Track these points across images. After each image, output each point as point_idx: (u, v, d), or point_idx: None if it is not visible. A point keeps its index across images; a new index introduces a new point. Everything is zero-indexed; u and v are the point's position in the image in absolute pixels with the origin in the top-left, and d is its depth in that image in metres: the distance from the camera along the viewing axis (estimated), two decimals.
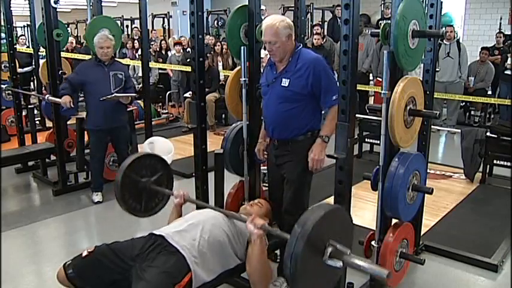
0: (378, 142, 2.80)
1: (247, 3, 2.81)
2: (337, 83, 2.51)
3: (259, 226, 2.03)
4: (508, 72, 7.02)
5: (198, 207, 2.57)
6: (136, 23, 11.09)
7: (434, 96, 3.12)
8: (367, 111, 2.73)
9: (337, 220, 1.77)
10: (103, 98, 3.83)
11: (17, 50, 6.64)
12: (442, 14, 2.90)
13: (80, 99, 4.76)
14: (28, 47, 8.78)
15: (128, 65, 8.30)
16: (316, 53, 2.57)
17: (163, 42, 9.43)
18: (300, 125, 2.50)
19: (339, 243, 1.66)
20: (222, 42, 7.99)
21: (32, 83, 8.66)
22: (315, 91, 2.43)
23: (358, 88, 2.47)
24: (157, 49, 9.03)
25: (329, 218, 1.69)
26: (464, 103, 7.64)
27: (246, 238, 2.24)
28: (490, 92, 7.58)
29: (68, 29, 10.45)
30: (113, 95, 3.87)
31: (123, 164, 2.46)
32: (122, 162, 4.00)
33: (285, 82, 2.46)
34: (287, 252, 1.59)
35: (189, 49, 6.91)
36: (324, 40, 7.21)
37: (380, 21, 8.22)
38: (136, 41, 9.63)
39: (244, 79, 2.78)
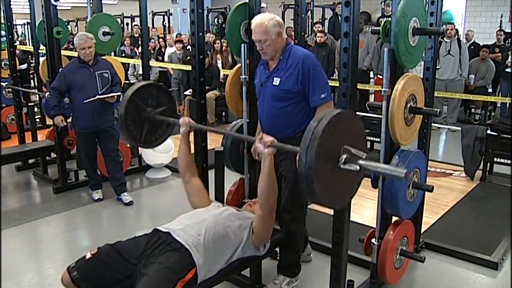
0: (378, 140, 2.80)
1: (247, 1, 2.80)
2: (328, 81, 2.51)
3: (269, 143, 1.98)
4: (508, 70, 7.01)
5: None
6: (137, 20, 11.07)
7: (435, 94, 3.11)
8: (368, 108, 2.72)
9: (350, 123, 1.70)
10: (87, 101, 3.74)
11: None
12: (443, 11, 2.89)
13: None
14: (21, 44, 8.78)
15: (128, 63, 8.31)
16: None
17: (161, 40, 9.42)
18: (295, 123, 2.48)
19: (354, 148, 1.61)
20: (222, 40, 7.98)
21: (32, 81, 8.67)
22: (304, 88, 2.41)
23: (358, 86, 2.47)
24: (157, 47, 9.02)
25: (342, 119, 1.63)
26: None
27: (248, 228, 2.25)
28: (490, 90, 7.58)
29: (68, 26, 10.43)
30: (96, 97, 3.78)
31: (131, 89, 2.41)
32: (110, 162, 4.07)
33: (276, 81, 2.45)
34: (302, 149, 1.52)
35: (189, 47, 6.90)
36: (326, 38, 7.22)
37: (380, 19, 8.20)
38: (134, 38, 9.64)
39: (244, 77, 2.77)
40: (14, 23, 5.82)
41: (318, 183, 1.51)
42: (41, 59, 5.50)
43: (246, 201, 2.85)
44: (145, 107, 2.43)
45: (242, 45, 2.75)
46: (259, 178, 2.14)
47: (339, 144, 1.59)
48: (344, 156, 1.59)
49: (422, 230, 3.23)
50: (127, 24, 12.63)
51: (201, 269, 2.04)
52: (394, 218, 2.67)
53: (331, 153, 1.57)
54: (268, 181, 2.09)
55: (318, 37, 7.09)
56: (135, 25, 11.29)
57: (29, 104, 5.71)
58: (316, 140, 1.50)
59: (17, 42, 8.56)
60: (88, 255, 2.06)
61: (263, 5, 2.93)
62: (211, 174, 2.85)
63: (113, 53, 6.34)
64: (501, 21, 8.92)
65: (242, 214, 2.32)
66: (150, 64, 6.68)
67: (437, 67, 3.11)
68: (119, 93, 4.00)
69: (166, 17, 12.05)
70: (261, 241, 2.30)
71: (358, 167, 1.60)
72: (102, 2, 4.81)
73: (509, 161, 4.48)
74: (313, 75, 2.38)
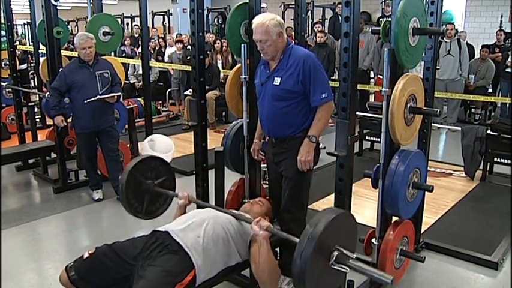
0: (379, 140, 2.81)
1: (247, 1, 2.80)
2: (328, 81, 2.51)
3: (265, 228, 2.05)
4: (508, 70, 7.01)
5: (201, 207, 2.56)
6: (137, 20, 11.07)
7: (435, 94, 3.11)
8: (368, 108, 2.73)
9: (343, 225, 1.80)
10: (87, 101, 3.74)
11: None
12: (443, 11, 2.89)
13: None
14: (20, 43, 8.77)
15: (128, 63, 8.31)
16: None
17: (161, 40, 9.41)
18: (295, 123, 2.47)
19: (345, 248, 1.69)
20: (222, 40, 7.99)
21: (32, 81, 8.67)
22: (305, 88, 2.41)
23: (358, 87, 2.47)
24: (158, 47, 9.01)
25: (337, 222, 1.72)
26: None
27: (248, 237, 2.24)
28: (490, 90, 7.57)
29: (68, 26, 10.44)
30: (96, 97, 3.78)
31: (129, 164, 2.46)
32: (110, 162, 4.08)
33: (277, 81, 2.45)
34: (297, 252, 1.63)
35: (189, 47, 6.90)
36: (326, 38, 7.23)
37: (380, 19, 8.21)
38: (134, 38, 9.64)
39: (244, 77, 2.77)
40: (14, 23, 5.82)
41: (308, 283, 1.62)
42: (41, 59, 5.50)
43: (246, 201, 2.85)
44: (144, 179, 2.45)
45: (242, 45, 2.75)
46: (253, 260, 2.14)
47: (331, 243, 1.69)
48: (335, 254, 1.68)
49: (422, 230, 3.23)
50: (127, 24, 12.63)
51: (200, 270, 2.03)
52: (394, 218, 2.67)
53: (323, 255, 1.68)
54: (268, 262, 2.10)
55: (318, 37, 7.09)
56: (135, 25, 11.28)
57: (29, 104, 5.71)
58: (311, 246, 1.61)
59: (17, 42, 8.55)
60: (85, 255, 2.06)
61: (263, 5, 2.92)
62: (211, 174, 2.85)
63: (112, 53, 6.34)
64: (501, 21, 8.92)
65: (242, 228, 2.28)
66: (150, 64, 6.68)
67: (437, 67, 3.11)
68: (119, 93, 4.00)
69: (166, 17, 12.05)
70: None
71: (347, 269, 1.69)
72: (102, 2, 4.80)
73: (509, 161, 4.48)
74: (314, 75, 2.38)
